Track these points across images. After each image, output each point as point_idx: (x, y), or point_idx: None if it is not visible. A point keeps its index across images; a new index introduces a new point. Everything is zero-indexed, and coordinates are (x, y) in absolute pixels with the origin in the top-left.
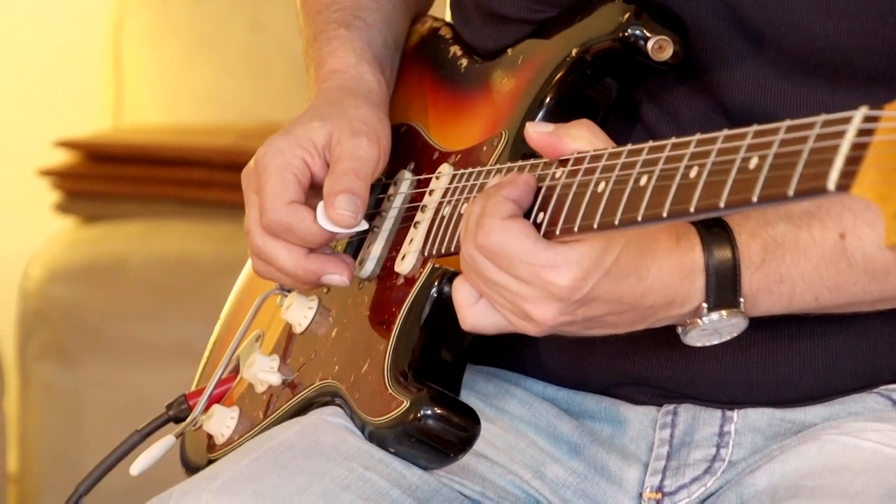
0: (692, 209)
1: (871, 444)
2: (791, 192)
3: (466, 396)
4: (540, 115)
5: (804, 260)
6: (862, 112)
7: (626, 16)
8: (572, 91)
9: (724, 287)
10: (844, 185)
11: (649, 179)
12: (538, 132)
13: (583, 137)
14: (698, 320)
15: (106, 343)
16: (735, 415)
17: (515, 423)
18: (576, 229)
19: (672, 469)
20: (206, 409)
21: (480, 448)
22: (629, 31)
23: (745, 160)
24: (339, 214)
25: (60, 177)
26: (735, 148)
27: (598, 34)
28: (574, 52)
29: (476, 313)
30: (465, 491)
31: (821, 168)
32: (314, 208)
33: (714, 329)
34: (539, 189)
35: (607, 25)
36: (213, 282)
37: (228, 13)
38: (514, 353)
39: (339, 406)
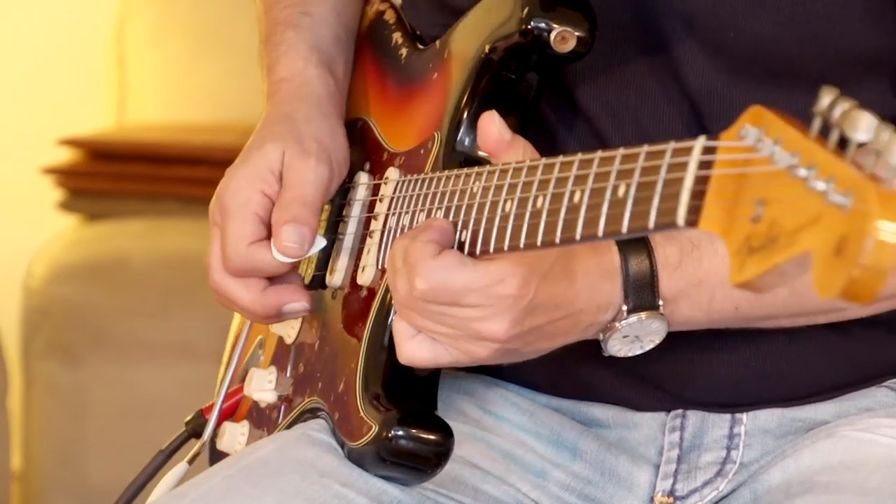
0: (577, 237)
1: (887, 440)
2: (651, 226)
3: (462, 402)
4: (466, 117)
5: (721, 265)
6: (700, 143)
7: (529, 8)
8: (493, 90)
9: (641, 288)
10: (692, 220)
11: (543, 201)
12: (497, 131)
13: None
14: (617, 324)
15: (109, 341)
16: (744, 416)
17: (515, 432)
18: (506, 248)
19: (683, 472)
20: (220, 422)
21: (475, 459)
22: (532, 24)
23: (615, 188)
24: (284, 246)
25: (64, 175)
26: (606, 174)
27: (506, 29)
28: (486, 48)
29: (414, 343)
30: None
31: (671, 203)
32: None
33: (634, 335)
34: (470, 206)
35: (512, 18)
36: None
37: (232, 11)
38: (516, 366)
39: (324, 420)
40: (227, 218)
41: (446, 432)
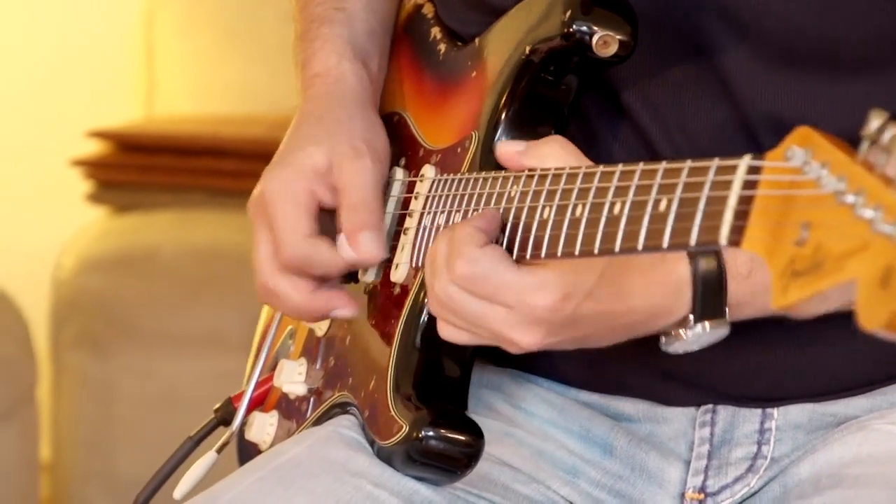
0: (616, 249)
1: None
2: (692, 243)
3: (491, 398)
4: (504, 117)
5: None
6: (745, 162)
7: (571, 11)
8: (531, 91)
9: (710, 299)
10: (735, 240)
11: (583, 210)
12: (507, 151)
13: (554, 155)
14: (683, 333)
15: (138, 332)
16: (775, 411)
17: (544, 427)
18: (543, 255)
19: (714, 468)
20: (251, 410)
21: (505, 457)
22: (574, 27)
23: (657, 202)
24: (365, 252)
25: (93, 167)
26: (648, 187)
27: (547, 32)
28: (527, 50)
29: (451, 329)
30: (482, 503)
31: (714, 221)
32: (322, 235)
33: (697, 339)
34: (507, 210)
35: (554, 21)
36: (245, 271)
37: (260, 3)
38: (542, 357)
39: (354, 416)
40: (276, 211)
41: (477, 433)
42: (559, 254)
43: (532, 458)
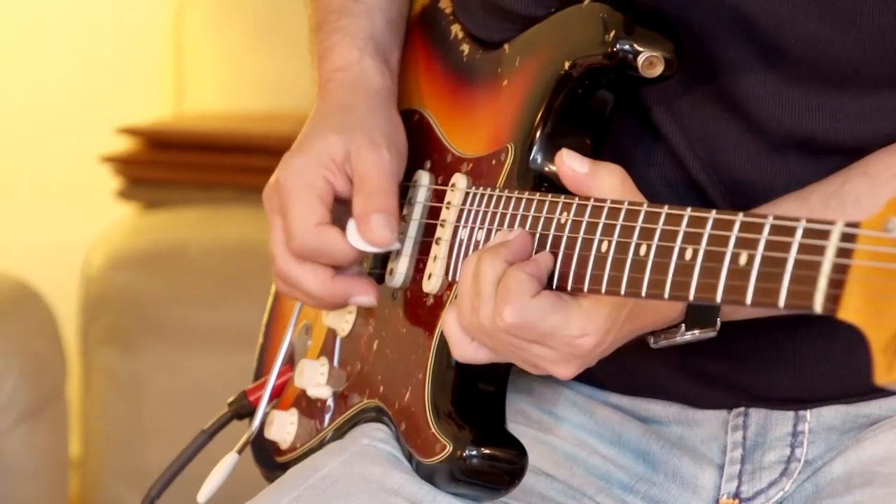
0: (691, 297)
1: None
2: (781, 305)
3: (522, 402)
4: (541, 132)
5: None
6: (839, 228)
7: (615, 30)
8: (569, 107)
9: (703, 313)
10: (830, 308)
11: (647, 251)
12: (572, 169)
13: (615, 189)
14: (676, 338)
15: (167, 329)
16: (808, 414)
17: (576, 432)
18: (603, 292)
19: (748, 473)
20: (268, 401)
21: (539, 464)
22: (618, 46)
23: (736, 255)
24: (376, 235)
25: (122, 163)
26: (724, 238)
27: (588, 48)
28: (566, 65)
29: (471, 350)
30: None
31: (806, 287)
32: (338, 225)
33: (684, 341)
34: (558, 238)
35: (596, 38)
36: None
37: None
38: None
39: (387, 426)
40: (290, 200)
41: (520, 450)
42: (622, 293)
43: (566, 464)
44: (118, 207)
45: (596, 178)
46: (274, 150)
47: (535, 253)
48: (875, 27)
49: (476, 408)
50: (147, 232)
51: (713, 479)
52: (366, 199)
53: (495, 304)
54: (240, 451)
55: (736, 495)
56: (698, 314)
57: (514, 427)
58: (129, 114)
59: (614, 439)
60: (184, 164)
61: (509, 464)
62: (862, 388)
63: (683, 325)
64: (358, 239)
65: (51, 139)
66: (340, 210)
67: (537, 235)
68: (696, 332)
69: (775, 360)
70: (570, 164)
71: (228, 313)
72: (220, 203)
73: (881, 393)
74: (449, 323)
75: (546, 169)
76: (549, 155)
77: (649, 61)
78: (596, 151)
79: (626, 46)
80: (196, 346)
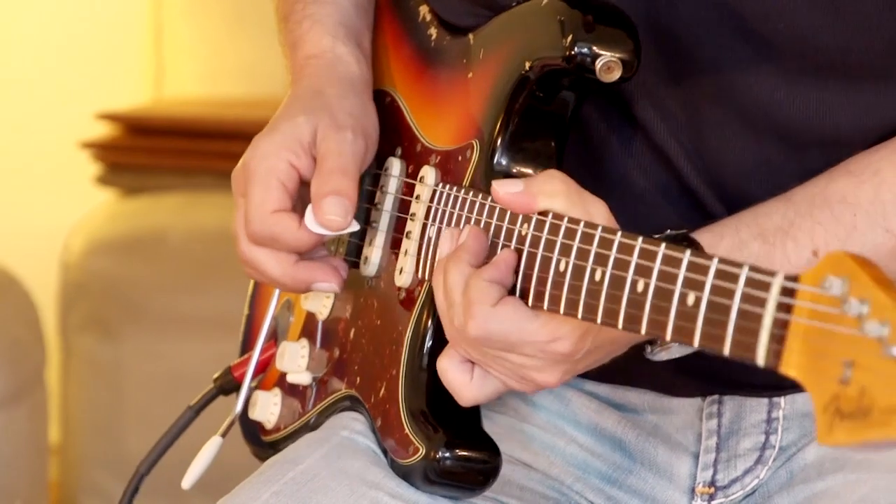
0: (642, 332)
1: None
2: (727, 353)
3: None
4: (504, 133)
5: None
6: (779, 282)
7: (573, 34)
8: (530, 107)
9: None
10: (773, 363)
11: (602, 277)
12: (507, 193)
13: (557, 192)
14: (671, 348)
15: (146, 315)
16: (782, 400)
17: (553, 420)
18: (561, 312)
19: (723, 461)
20: (254, 376)
21: (517, 454)
22: (576, 50)
23: (684, 295)
24: (327, 219)
25: (101, 149)
26: (673, 276)
27: (546, 50)
28: (526, 65)
29: (474, 389)
30: None
31: (749, 338)
32: (306, 206)
33: (681, 350)
34: (519, 251)
35: (554, 40)
36: None
37: None
38: None
39: (364, 416)
40: (250, 184)
41: (493, 450)
42: (579, 316)
43: (543, 453)
44: (97, 193)
45: (534, 187)
46: (254, 136)
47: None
48: (863, 17)
49: (450, 408)
50: (126, 218)
51: (689, 468)
52: (322, 181)
53: (462, 318)
54: (223, 435)
55: (711, 483)
56: None
57: (491, 415)
58: (108, 99)
59: (591, 427)
60: (163, 150)
61: (483, 464)
62: None
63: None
64: (313, 222)
65: (30, 125)
66: (306, 193)
67: (500, 245)
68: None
69: None
70: (505, 190)
71: (208, 299)
72: (200, 189)
73: None
74: (443, 372)
75: (513, 170)
76: (513, 156)
77: (607, 66)
78: (560, 150)
79: (585, 50)
80: (176, 332)
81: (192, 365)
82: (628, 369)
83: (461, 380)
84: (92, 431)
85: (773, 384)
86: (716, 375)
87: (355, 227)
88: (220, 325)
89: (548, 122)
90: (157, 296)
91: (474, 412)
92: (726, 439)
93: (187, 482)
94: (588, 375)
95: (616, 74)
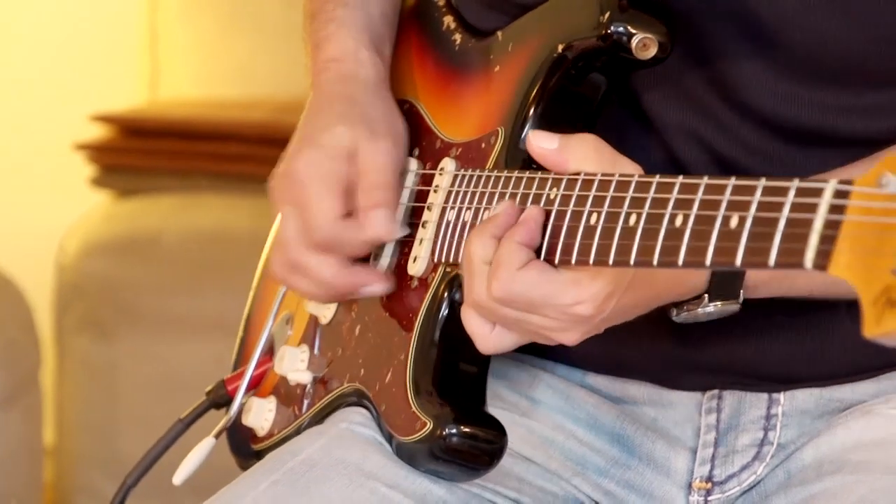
0: (680, 263)
1: None
2: (771, 264)
3: (499, 387)
4: (532, 114)
5: None
6: (832, 185)
7: (610, 12)
8: (561, 89)
9: (728, 282)
10: (820, 264)
11: (638, 220)
12: (541, 147)
13: (589, 158)
14: (698, 310)
15: (142, 317)
16: (782, 397)
17: (552, 415)
18: (591, 262)
19: (721, 457)
20: (247, 390)
21: (516, 447)
22: (612, 28)
23: (727, 217)
24: (375, 230)
25: (96, 151)
26: (715, 202)
27: (582, 31)
28: (559, 48)
29: (494, 338)
30: (499, 500)
31: (796, 244)
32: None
33: (707, 315)
34: (547, 212)
35: (590, 20)
36: (249, 256)
37: None
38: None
39: (367, 409)
40: (308, 191)
41: (499, 430)
42: (611, 262)
43: (542, 446)
44: (92, 195)
45: (568, 150)
46: (249, 137)
47: None
48: (888, 23)
49: (457, 388)
50: (121, 219)
51: (686, 463)
52: (367, 194)
53: (486, 281)
54: (217, 436)
55: (709, 479)
56: (721, 283)
57: (492, 410)
58: (103, 101)
59: (590, 422)
60: (158, 152)
61: (489, 443)
62: (836, 371)
63: (706, 295)
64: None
65: (25, 126)
66: (351, 202)
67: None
68: (719, 303)
69: (749, 342)
70: (540, 144)
71: (203, 301)
72: (195, 190)
73: (854, 376)
74: (466, 318)
75: None
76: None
77: (643, 43)
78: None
79: (621, 28)
80: (171, 334)
81: (187, 366)
82: (629, 360)
83: (482, 330)
84: (87, 432)
85: (772, 379)
86: (716, 369)
87: (405, 231)
88: (215, 327)
89: (577, 105)
90: (152, 297)
91: (480, 395)
92: (724, 434)
93: (178, 478)
94: (588, 367)
95: (652, 51)
